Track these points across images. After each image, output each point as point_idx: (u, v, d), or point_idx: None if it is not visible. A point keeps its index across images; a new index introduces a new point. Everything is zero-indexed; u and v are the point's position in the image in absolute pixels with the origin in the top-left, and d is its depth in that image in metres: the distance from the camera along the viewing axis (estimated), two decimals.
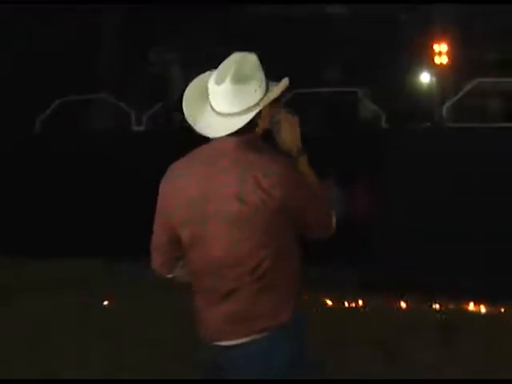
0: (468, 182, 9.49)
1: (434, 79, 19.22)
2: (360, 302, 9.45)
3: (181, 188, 3.05)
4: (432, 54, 17.64)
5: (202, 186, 3.01)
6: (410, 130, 12.39)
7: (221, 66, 2.97)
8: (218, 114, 2.98)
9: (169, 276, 3.27)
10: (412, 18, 18.76)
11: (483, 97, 14.15)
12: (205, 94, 3.02)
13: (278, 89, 2.97)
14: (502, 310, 8.57)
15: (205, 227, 3.02)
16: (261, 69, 2.99)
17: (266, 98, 2.96)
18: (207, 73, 3.04)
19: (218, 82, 2.94)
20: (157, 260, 3.22)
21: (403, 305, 9.03)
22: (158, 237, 3.20)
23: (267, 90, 2.99)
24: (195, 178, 3.02)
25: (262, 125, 2.99)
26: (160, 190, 3.11)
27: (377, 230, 11.11)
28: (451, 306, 8.92)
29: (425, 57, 18.27)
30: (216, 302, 3.05)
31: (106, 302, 8.63)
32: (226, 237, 2.99)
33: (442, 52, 17.40)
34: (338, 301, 9.53)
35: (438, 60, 17.73)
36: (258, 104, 2.94)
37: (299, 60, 17.74)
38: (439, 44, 17.30)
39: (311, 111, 15.42)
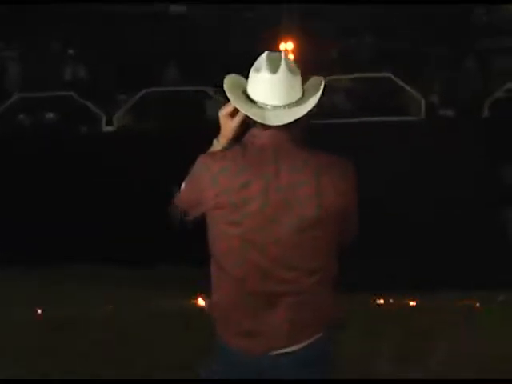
0: None
1: None
2: None
3: (238, 185, 2.92)
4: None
5: (269, 183, 2.90)
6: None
7: (265, 60, 2.97)
8: (275, 104, 2.94)
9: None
10: (256, 16, 18.86)
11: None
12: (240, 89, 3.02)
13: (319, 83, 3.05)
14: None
15: (265, 229, 2.88)
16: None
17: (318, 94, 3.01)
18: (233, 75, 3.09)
19: (273, 71, 2.93)
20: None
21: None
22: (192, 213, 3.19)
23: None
24: (258, 175, 2.90)
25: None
26: (202, 177, 3.09)
27: None
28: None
29: None
30: (268, 309, 2.93)
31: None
32: (289, 239, 2.89)
33: (288, 50, 17.49)
34: None
35: None
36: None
37: (143, 59, 17.51)
38: (285, 42, 17.39)
39: (161, 109, 15.17)
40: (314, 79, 3.12)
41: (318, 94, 3.02)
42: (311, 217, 2.89)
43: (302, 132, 3.06)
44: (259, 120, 2.97)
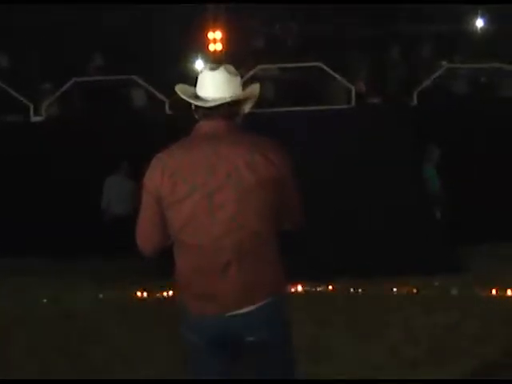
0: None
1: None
2: None
3: (186, 163, 3.43)
4: (207, 41, 17.63)
5: (210, 159, 3.42)
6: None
7: (208, 63, 3.82)
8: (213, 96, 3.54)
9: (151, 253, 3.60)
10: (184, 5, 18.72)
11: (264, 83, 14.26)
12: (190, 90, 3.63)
13: (257, 88, 3.67)
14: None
15: (211, 197, 3.36)
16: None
17: (250, 92, 3.64)
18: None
19: (213, 69, 3.57)
20: (147, 246, 3.57)
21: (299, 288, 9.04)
22: (149, 222, 3.52)
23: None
24: (202, 153, 3.44)
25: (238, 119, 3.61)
26: (154, 170, 3.51)
27: None
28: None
29: (199, 44, 18.26)
30: (220, 273, 3.34)
31: None
32: (233, 204, 3.36)
33: (216, 39, 17.42)
34: None
35: (212, 47, 17.74)
36: (241, 95, 3.59)
37: (69, 47, 17.27)
38: (214, 31, 17.30)
39: (90, 100, 14.97)
40: (254, 85, 3.73)
41: (237, 91, 3.60)
42: (248, 183, 3.37)
43: (240, 122, 3.64)
44: (199, 104, 3.56)
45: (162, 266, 10.40)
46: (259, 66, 13.81)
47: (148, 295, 9.56)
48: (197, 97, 3.59)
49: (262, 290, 3.39)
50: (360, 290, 9.22)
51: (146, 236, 3.60)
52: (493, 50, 16.18)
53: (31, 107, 13.66)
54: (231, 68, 3.63)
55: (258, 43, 16.86)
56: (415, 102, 13.61)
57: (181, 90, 3.65)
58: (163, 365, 6.70)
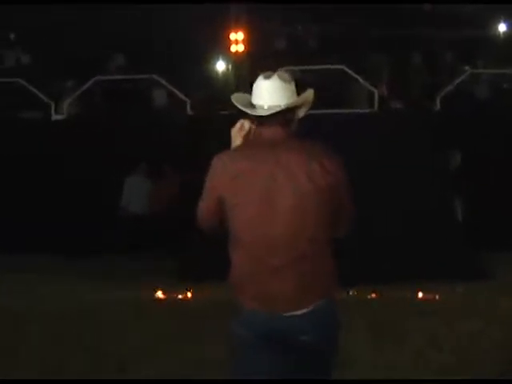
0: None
1: (230, 67, 19.27)
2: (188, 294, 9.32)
3: (248, 169, 3.59)
4: (228, 42, 17.61)
5: (270, 165, 3.58)
6: (220, 117, 12.30)
7: (263, 73, 3.71)
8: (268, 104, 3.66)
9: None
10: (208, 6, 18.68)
11: None
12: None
13: (311, 94, 3.77)
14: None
15: (271, 202, 3.54)
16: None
17: (304, 98, 3.74)
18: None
19: (268, 77, 3.68)
20: (204, 226, 3.75)
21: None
22: (206, 209, 3.70)
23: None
24: (262, 160, 3.60)
25: (293, 126, 3.74)
26: (215, 170, 3.66)
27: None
28: None
29: (221, 45, 18.24)
30: (276, 274, 3.52)
31: None
32: (291, 210, 3.53)
33: (238, 40, 17.40)
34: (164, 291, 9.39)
35: (234, 48, 17.72)
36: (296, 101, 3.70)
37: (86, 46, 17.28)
38: (236, 32, 17.28)
39: (111, 99, 14.95)
40: (308, 90, 3.79)
41: (292, 98, 3.71)
42: (306, 190, 3.54)
43: (295, 127, 3.76)
44: (254, 113, 3.68)
45: (173, 268, 10.50)
46: (280, 69, 13.72)
47: (165, 295, 9.54)
48: (252, 105, 3.72)
49: (317, 292, 3.57)
50: (381, 296, 9.14)
51: (203, 219, 3.78)
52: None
53: (52, 105, 13.66)
54: (285, 75, 3.75)
55: (280, 44, 16.79)
56: (438, 107, 13.51)
57: (236, 98, 3.76)
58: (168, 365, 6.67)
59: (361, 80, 13.53)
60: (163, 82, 14.54)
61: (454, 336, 7.36)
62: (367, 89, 13.58)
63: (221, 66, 20.56)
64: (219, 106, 12.95)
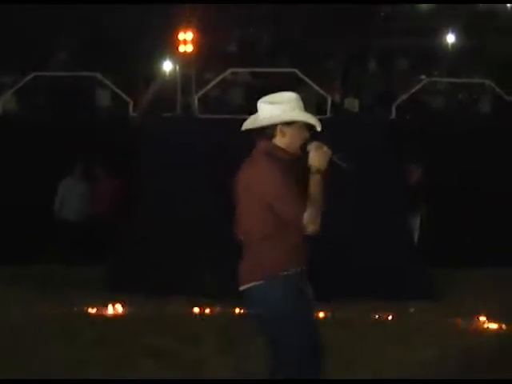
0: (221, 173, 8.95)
1: (177, 68, 18.65)
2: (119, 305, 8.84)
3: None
4: (176, 42, 16.94)
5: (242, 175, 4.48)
6: (163, 120, 11.69)
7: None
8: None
9: None
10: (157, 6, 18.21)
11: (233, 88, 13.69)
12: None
13: (277, 118, 4.46)
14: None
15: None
16: (288, 101, 4.52)
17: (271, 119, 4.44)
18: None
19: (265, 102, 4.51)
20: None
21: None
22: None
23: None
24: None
25: (281, 139, 4.48)
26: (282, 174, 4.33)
27: (126, 227, 10.29)
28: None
29: (169, 45, 17.62)
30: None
31: None
32: (242, 210, 4.42)
33: (187, 40, 16.72)
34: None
35: (182, 48, 17.04)
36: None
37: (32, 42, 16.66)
38: (184, 32, 16.60)
39: (48, 96, 14.26)
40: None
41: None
42: (248, 195, 4.36)
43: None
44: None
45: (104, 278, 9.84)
46: (230, 70, 13.17)
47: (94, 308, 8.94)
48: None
49: (253, 272, 4.41)
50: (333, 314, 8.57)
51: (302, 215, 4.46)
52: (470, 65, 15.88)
53: None
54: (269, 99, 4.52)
55: (231, 46, 16.23)
56: (393, 115, 13.03)
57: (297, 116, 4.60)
58: None
59: (313, 85, 12.96)
60: (106, 81, 13.87)
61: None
62: (320, 94, 13.03)
63: (168, 66, 19.95)
64: (162, 108, 12.44)
